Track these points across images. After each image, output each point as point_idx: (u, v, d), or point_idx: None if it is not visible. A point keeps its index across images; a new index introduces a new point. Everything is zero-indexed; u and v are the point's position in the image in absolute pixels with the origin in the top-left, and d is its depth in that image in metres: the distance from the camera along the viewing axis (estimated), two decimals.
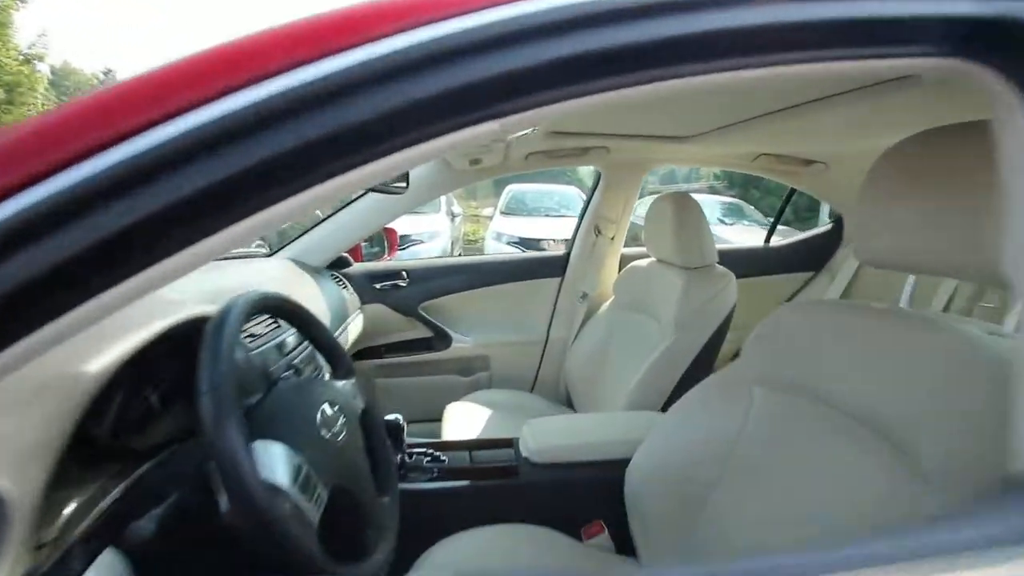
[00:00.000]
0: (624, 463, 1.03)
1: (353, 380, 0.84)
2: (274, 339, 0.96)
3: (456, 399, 1.70)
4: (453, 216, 6.97)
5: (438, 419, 1.63)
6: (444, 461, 1.12)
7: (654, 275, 1.51)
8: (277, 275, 1.43)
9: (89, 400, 0.51)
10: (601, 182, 1.82)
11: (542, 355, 1.93)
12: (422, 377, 1.90)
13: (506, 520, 1.03)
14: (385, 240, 2.09)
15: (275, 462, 0.55)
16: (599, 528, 1.06)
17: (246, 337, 0.91)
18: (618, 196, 1.82)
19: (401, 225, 6.08)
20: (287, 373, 0.85)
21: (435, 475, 1.08)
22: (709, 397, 0.94)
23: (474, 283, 1.89)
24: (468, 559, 0.94)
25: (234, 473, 0.48)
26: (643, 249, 2.03)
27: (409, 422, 1.89)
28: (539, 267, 1.94)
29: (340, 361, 0.84)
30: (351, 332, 1.60)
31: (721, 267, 1.42)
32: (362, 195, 1.67)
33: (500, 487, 1.06)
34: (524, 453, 1.11)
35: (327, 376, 0.84)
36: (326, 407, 0.67)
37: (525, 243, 5.67)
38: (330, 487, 0.60)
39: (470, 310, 1.92)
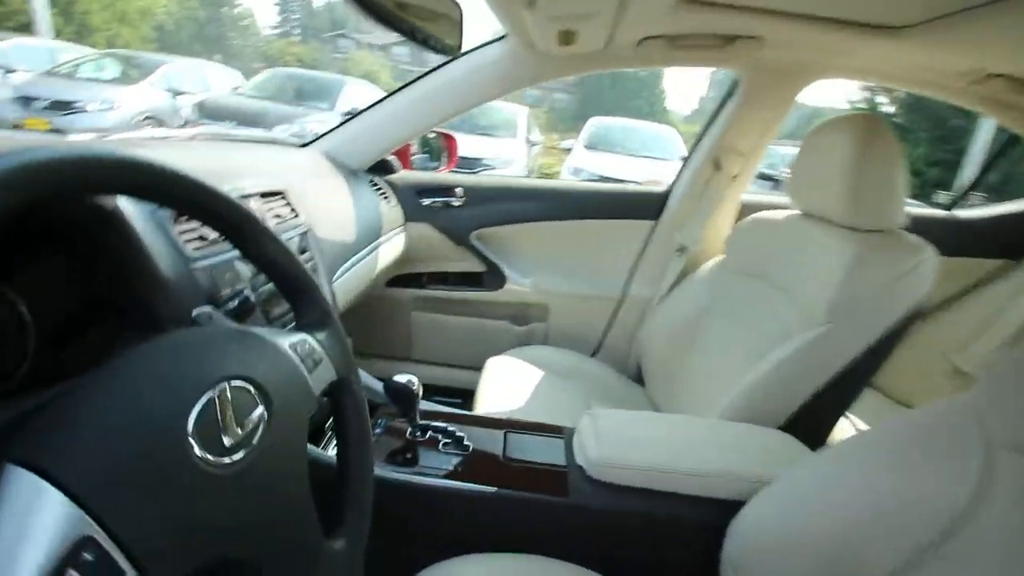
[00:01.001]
0: (729, 506, 0.68)
1: (327, 333, 0.52)
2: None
3: (503, 350, 1.38)
4: (531, 144, 6.45)
5: (478, 368, 1.33)
6: (468, 448, 0.81)
7: (797, 234, 1.06)
8: (299, 165, 1.12)
9: None
10: (737, 96, 1.32)
11: (614, 315, 1.55)
12: (466, 318, 1.59)
13: (541, 549, 0.72)
14: (444, 150, 1.73)
15: (14, 536, 0.24)
16: None
17: (191, 240, 0.60)
18: (757, 118, 1.32)
19: (470, 146, 5.77)
20: (231, 304, 0.54)
21: (452, 469, 0.77)
22: (904, 447, 0.57)
23: (543, 214, 1.50)
24: None
25: None
26: (770, 197, 1.56)
27: (446, 365, 1.65)
28: (628, 204, 1.51)
29: (305, 300, 0.52)
30: (384, 253, 1.29)
31: (913, 236, 0.95)
32: (410, 84, 1.30)
33: (538, 503, 0.74)
34: (579, 460, 0.78)
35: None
36: (225, 390, 0.35)
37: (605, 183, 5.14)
38: (175, 574, 0.28)
39: (533, 246, 1.55)
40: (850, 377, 0.89)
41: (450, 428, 0.84)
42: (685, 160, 1.47)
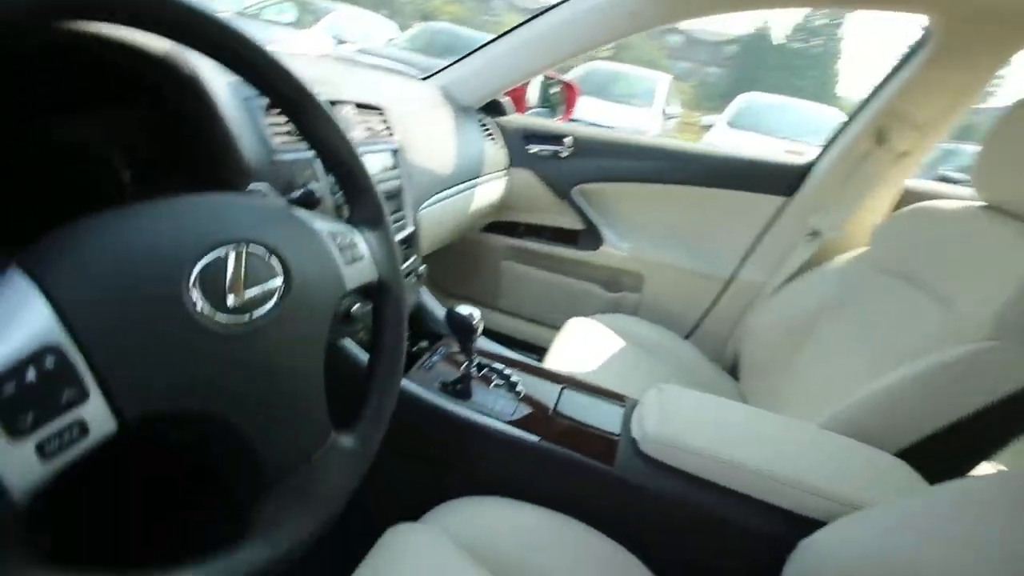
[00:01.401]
0: (803, 522, 0.58)
1: (376, 234, 0.50)
2: None
3: (589, 314, 1.31)
4: (667, 116, 6.04)
5: (558, 328, 1.28)
6: (519, 393, 0.78)
7: (974, 230, 0.84)
8: (410, 92, 1.13)
9: None
10: (925, 51, 1.06)
11: (718, 297, 1.39)
12: (555, 275, 1.53)
13: (576, 512, 0.67)
14: (562, 98, 1.65)
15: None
16: None
17: (279, 133, 0.62)
18: (949, 81, 1.06)
19: (598, 112, 5.52)
20: (295, 194, 0.54)
21: (497, 410, 0.74)
22: None
23: (655, 175, 1.37)
24: (492, 540, 0.62)
25: None
26: (944, 187, 1.27)
27: (530, 320, 1.63)
28: (758, 175, 1.32)
29: (359, 195, 0.50)
30: (481, 194, 1.27)
31: None
32: (531, 19, 1.23)
33: (579, 465, 0.68)
34: (635, 432, 0.70)
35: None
36: (232, 255, 0.34)
37: None
38: (137, 416, 0.28)
39: (637, 208, 1.44)
40: (1008, 412, 0.69)
41: (506, 371, 0.81)
42: (840, 127, 1.24)
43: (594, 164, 1.40)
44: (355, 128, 0.76)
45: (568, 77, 6.54)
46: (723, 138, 5.18)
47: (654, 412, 0.70)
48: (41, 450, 0.24)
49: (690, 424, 0.69)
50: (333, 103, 0.73)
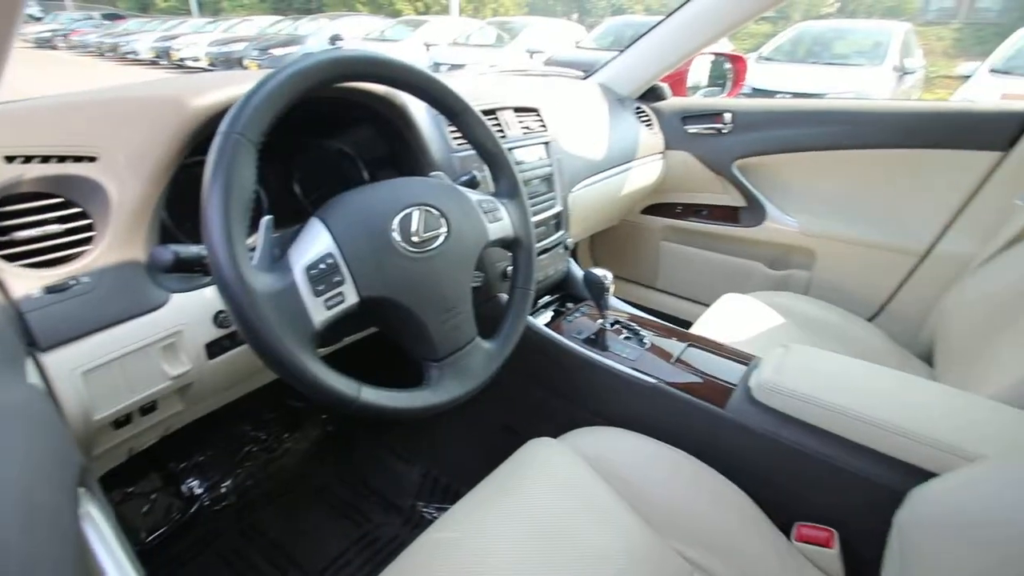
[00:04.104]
0: (918, 475, 0.58)
1: (514, 202, 0.69)
2: None
3: (750, 292, 1.28)
4: (903, 72, 5.00)
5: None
6: (645, 345, 0.89)
7: None
8: (568, 91, 1.30)
9: (191, 129, 0.54)
10: None
11: (911, 273, 1.23)
12: (715, 254, 1.53)
13: (692, 450, 0.76)
14: (729, 72, 1.62)
15: (307, 244, 0.49)
16: (827, 539, 0.66)
17: (457, 138, 0.85)
18: None
19: (808, 80, 4.89)
20: (463, 178, 0.75)
21: (622, 356, 0.86)
22: None
23: (832, 140, 1.28)
24: (612, 460, 0.74)
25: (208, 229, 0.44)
26: None
27: (689, 300, 1.65)
28: (962, 128, 1.14)
29: (501, 173, 0.69)
30: (634, 178, 1.37)
31: None
32: (681, 7, 1.27)
33: (692, 407, 0.77)
34: (752, 381, 0.75)
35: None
36: (416, 212, 0.56)
37: None
38: (367, 297, 0.51)
39: (808, 179, 1.35)
40: None
41: (634, 326, 0.93)
42: None
43: (755, 137, 1.37)
44: (513, 127, 0.97)
45: (774, 44, 5.84)
46: (983, 89, 4.10)
47: (772, 363, 0.74)
48: (327, 303, 0.48)
49: (805, 374, 0.71)
50: (495, 110, 0.94)
